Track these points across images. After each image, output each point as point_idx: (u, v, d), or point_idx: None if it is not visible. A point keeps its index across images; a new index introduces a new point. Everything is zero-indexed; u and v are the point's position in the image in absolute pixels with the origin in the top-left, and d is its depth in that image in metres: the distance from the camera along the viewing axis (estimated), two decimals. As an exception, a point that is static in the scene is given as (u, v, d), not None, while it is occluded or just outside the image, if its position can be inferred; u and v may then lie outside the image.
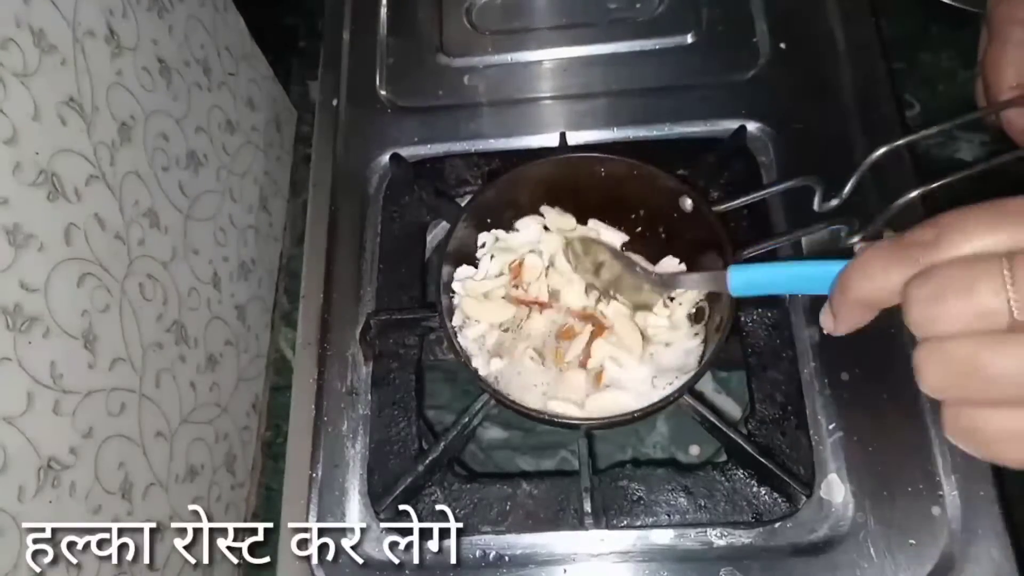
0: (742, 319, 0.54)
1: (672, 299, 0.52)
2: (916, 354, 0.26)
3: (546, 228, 0.55)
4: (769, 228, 0.57)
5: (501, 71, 0.67)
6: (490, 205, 0.55)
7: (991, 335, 0.24)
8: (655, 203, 0.53)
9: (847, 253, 0.51)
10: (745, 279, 0.39)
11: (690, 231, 0.52)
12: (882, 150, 0.46)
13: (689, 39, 0.66)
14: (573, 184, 0.54)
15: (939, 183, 0.44)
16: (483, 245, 0.56)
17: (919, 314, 0.26)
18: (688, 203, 0.51)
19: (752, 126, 0.61)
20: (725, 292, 0.40)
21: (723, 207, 0.50)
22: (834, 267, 0.30)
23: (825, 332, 0.33)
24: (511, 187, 0.54)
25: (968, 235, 0.25)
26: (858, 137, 0.60)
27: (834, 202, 0.47)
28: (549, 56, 0.67)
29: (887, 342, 0.53)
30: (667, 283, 0.49)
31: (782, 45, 0.65)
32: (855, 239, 0.45)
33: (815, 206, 0.48)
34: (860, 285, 0.29)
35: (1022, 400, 0.24)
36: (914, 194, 0.43)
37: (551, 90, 0.66)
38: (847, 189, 0.46)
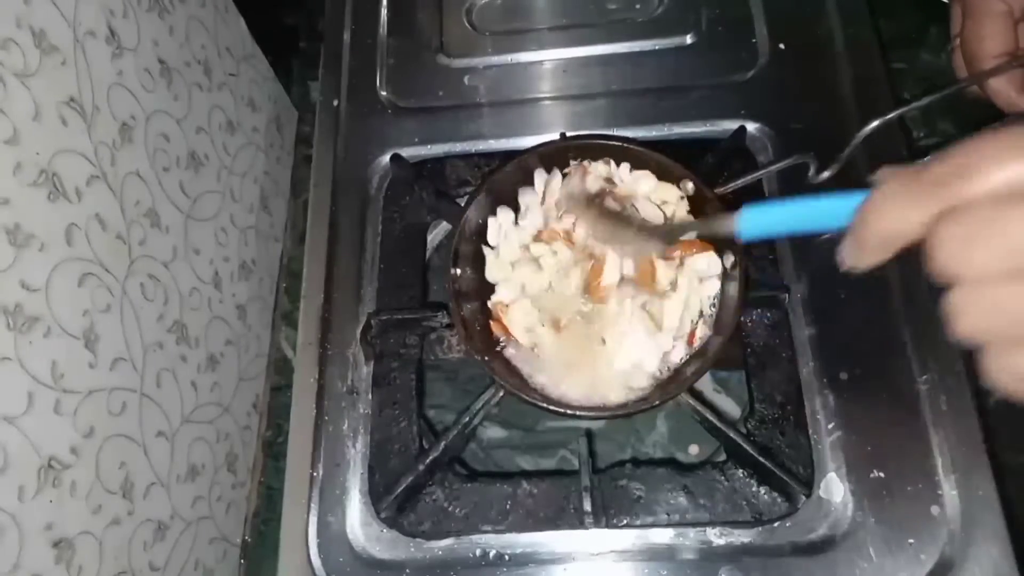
0: (742, 319, 0.54)
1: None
2: (949, 299, 0.24)
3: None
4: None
5: (501, 71, 0.67)
6: (498, 190, 0.54)
7: None
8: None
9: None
10: (756, 219, 0.35)
11: (695, 214, 0.52)
12: (875, 123, 0.47)
13: (689, 39, 0.66)
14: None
15: (909, 107, 0.46)
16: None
17: (949, 257, 0.24)
18: (690, 186, 0.51)
19: (752, 126, 0.61)
20: (734, 237, 0.36)
21: (723, 189, 0.51)
22: (852, 200, 0.28)
23: (844, 268, 0.30)
24: (518, 170, 0.54)
25: (994, 167, 0.23)
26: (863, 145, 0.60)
27: (827, 173, 0.48)
28: (549, 56, 0.67)
29: (886, 341, 0.53)
30: (672, 232, 0.48)
31: (781, 45, 0.65)
32: (826, 173, 0.47)
33: (810, 178, 0.49)
34: (881, 223, 0.27)
35: None
36: (878, 121, 0.45)
37: (551, 90, 0.66)
38: (841, 160, 0.47)
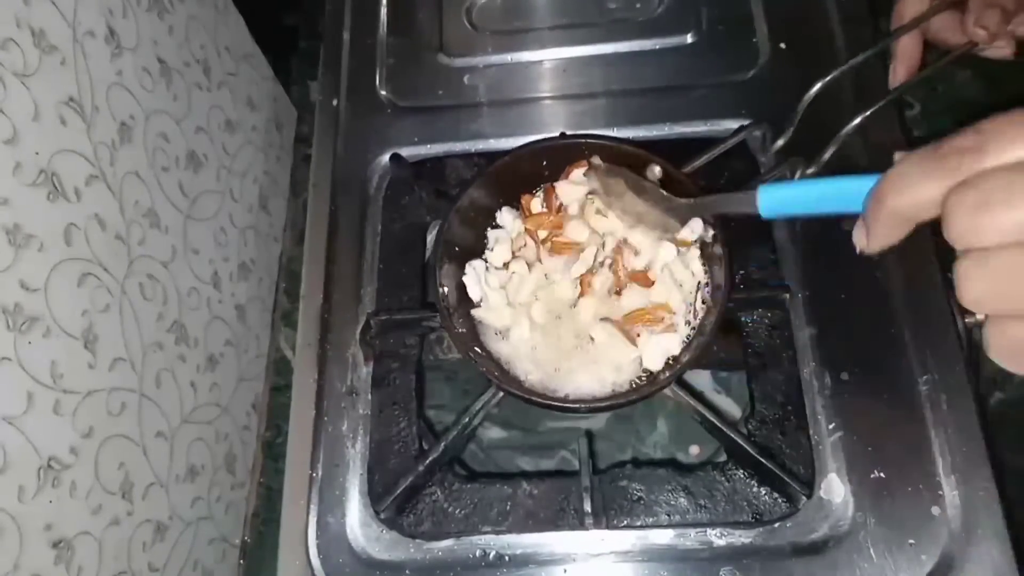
0: (742, 319, 0.54)
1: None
2: (957, 266, 0.25)
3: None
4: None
5: (501, 71, 0.67)
6: (476, 203, 0.55)
7: None
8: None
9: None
10: (775, 198, 0.36)
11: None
12: (817, 86, 0.53)
13: (689, 39, 0.66)
14: (548, 172, 0.55)
15: (877, 106, 0.50)
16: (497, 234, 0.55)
17: (961, 224, 0.24)
18: (657, 170, 0.52)
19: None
20: (754, 214, 0.36)
21: (689, 167, 0.53)
22: (869, 182, 0.28)
23: (858, 250, 0.30)
24: (490, 185, 0.55)
25: (1012, 141, 0.24)
26: (857, 136, 0.60)
27: (780, 142, 0.53)
28: (549, 56, 0.67)
29: (887, 342, 0.53)
30: (693, 208, 0.47)
31: (782, 45, 0.65)
32: (811, 169, 0.51)
33: (766, 149, 0.54)
34: (897, 196, 0.27)
35: None
36: (856, 121, 0.51)
37: (551, 90, 0.66)
38: (790, 130, 0.54)
